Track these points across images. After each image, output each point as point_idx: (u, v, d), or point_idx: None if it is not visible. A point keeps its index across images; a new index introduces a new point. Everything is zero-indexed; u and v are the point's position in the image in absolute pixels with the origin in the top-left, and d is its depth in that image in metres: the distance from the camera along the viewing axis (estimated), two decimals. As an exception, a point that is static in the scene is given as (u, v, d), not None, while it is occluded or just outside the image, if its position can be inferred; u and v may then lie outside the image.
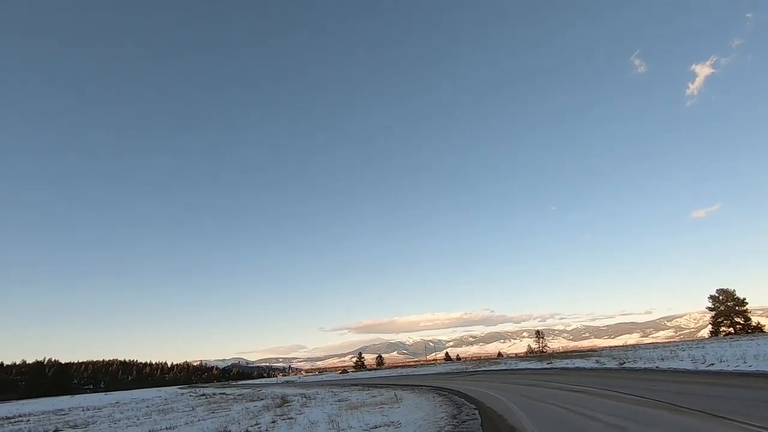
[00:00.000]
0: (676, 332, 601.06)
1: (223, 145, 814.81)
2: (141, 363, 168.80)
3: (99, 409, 29.82)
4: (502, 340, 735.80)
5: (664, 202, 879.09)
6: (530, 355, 79.98)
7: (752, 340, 31.87)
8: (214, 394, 39.51)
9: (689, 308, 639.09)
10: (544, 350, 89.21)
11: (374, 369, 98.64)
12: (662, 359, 19.76)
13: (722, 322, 69.83)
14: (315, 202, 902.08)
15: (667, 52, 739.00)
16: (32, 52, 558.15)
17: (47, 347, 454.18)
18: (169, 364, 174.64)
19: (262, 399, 24.25)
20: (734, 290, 69.31)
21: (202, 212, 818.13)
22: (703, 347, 26.44)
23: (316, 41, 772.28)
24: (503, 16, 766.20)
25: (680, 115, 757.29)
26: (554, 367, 25.93)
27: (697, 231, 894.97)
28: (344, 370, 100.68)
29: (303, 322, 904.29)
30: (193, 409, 22.35)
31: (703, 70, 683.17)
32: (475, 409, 10.30)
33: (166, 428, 14.51)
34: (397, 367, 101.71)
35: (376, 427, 9.26)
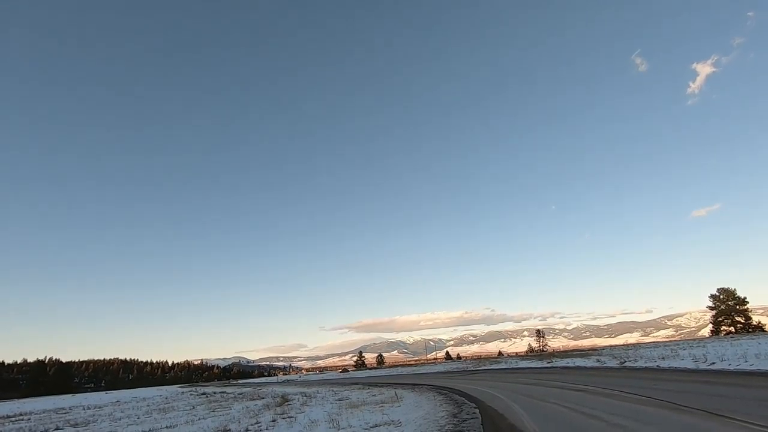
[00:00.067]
0: (676, 331, 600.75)
1: (223, 144, 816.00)
2: (142, 362, 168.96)
3: (100, 407, 29.85)
4: (502, 339, 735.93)
5: (664, 201, 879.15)
6: (531, 354, 79.94)
7: (753, 339, 31.81)
8: (215, 392, 39.53)
9: (690, 307, 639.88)
10: (545, 349, 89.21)
11: (375, 368, 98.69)
12: (663, 358, 19.72)
13: (723, 321, 69.77)
14: (315, 202, 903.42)
15: (668, 50, 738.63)
16: (32, 52, 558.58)
17: (48, 346, 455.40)
18: (169, 363, 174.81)
19: (263, 398, 24.25)
20: (735, 289, 69.30)
21: (203, 212, 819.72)
22: (704, 346, 26.39)
23: (316, 41, 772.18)
24: (503, 16, 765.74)
25: (681, 114, 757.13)
26: (555, 366, 25.91)
27: (697, 230, 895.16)
28: (345, 369, 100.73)
29: (303, 322, 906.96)
30: (194, 407, 22.36)
31: (704, 69, 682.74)
32: (475, 407, 10.28)
33: (167, 427, 14.50)
34: (397, 366, 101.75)
35: (376, 425, 9.24)
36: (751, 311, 68.81)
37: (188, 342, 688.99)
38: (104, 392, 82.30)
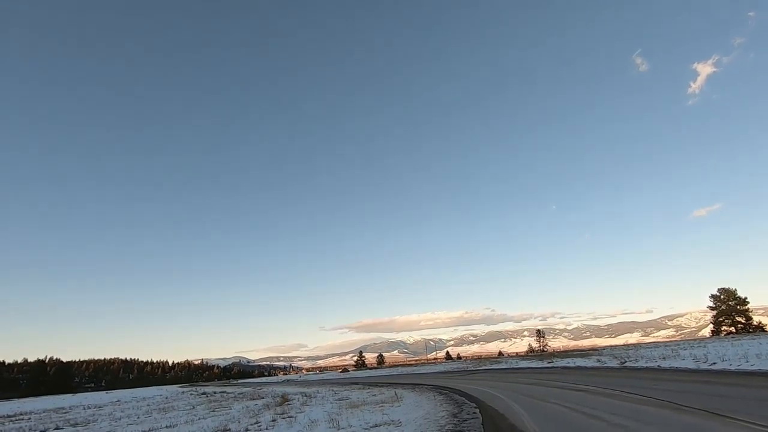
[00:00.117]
0: (677, 331, 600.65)
1: (223, 144, 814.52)
2: (142, 362, 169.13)
3: (100, 407, 29.86)
4: (502, 339, 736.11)
5: (665, 201, 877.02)
6: (531, 354, 79.97)
7: (754, 339, 31.79)
8: (215, 392, 39.53)
9: (690, 307, 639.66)
10: (545, 349, 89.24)
11: (375, 368, 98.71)
12: (664, 358, 19.70)
13: (723, 321, 69.76)
14: (315, 202, 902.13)
15: (669, 50, 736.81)
16: (32, 52, 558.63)
17: (49, 346, 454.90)
18: (170, 363, 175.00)
19: (263, 397, 24.24)
20: (735, 289, 69.28)
21: (203, 212, 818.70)
22: (704, 346, 26.37)
23: (316, 41, 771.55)
24: (503, 16, 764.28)
25: (681, 114, 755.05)
26: (555, 366, 25.89)
27: (698, 230, 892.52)
28: (345, 369, 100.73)
29: (304, 322, 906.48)
30: (194, 407, 22.35)
31: (704, 69, 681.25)
32: (476, 407, 10.26)
33: (167, 426, 14.49)
34: (397, 366, 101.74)
35: (376, 425, 9.22)
36: (751, 311, 68.80)
37: (188, 342, 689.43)
38: (104, 392, 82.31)
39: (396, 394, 16.50)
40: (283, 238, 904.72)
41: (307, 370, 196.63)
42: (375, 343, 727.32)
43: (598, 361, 25.37)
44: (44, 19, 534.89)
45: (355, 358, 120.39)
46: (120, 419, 19.21)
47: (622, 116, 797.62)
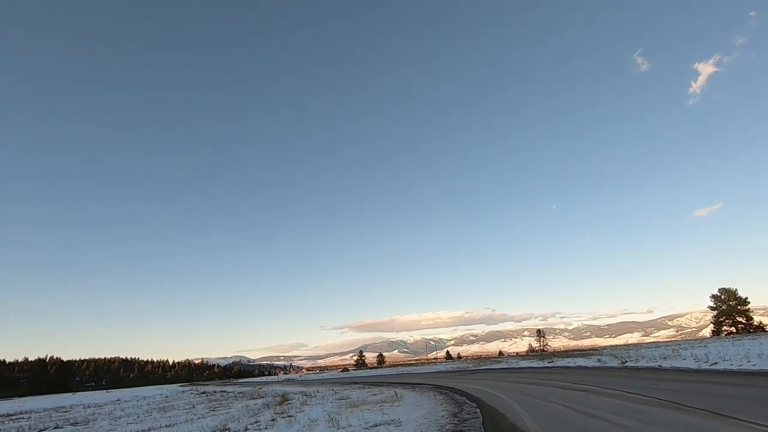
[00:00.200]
0: (677, 331, 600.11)
1: (223, 144, 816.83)
2: (143, 361, 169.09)
3: (100, 406, 29.85)
4: (503, 339, 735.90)
5: (665, 201, 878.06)
6: (531, 354, 79.90)
7: (755, 339, 31.72)
8: (215, 392, 39.52)
9: (691, 307, 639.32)
10: (545, 349, 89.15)
11: (375, 367, 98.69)
12: (665, 358, 19.65)
13: (724, 321, 69.68)
14: (315, 202, 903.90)
15: (670, 50, 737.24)
16: (31, 52, 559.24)
17: (49, 345, 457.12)
18: (170, 362, 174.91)
19: (263, 397, 24.21)
20: (736, 289, 69.21)
21: (203, 211, 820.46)
22: (705, 346, 26.32)
23: (316, 41, 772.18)
24: (504, 16, 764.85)
25: (682, 113, 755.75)
26: (556, 365, 25.84)
27: (698, 230, 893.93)
28: (345, 369, 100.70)
29: (304, 321, 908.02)
30: (194, 406, 22.33)
31: (705, 69, 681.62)
32: (476, 407, 10.22)
33: (166, 426, 14.46)
34: (398, 365, 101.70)
35: (376, 425, 9.18)
36: (752, 311, 68.67)
37: (189, 341, 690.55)
38: (105, 391, 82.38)
39: (396, 393, 16.46)
40: (283, 237, 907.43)
41: (308, 369, 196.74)
42: (375, 343, 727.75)
43: (599, 360, 25.32)
44: (44, 19, 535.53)
45: (356, 358, 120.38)
46: (120, 418, 19.18)
47: (623, 116, 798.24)
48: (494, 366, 36.53)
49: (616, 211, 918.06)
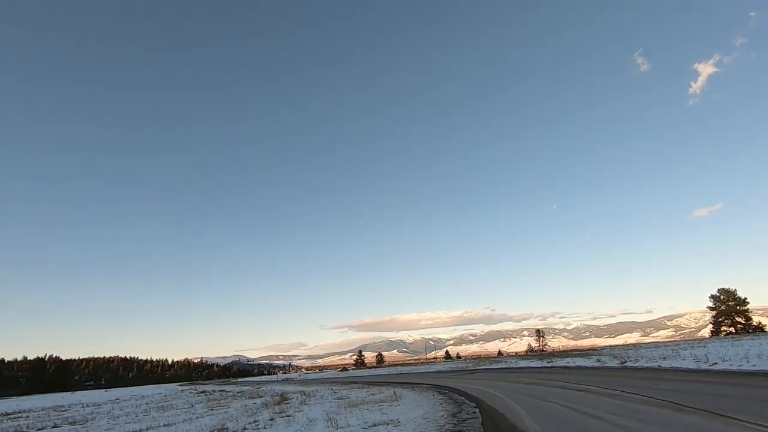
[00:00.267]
0: (676, 332, 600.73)
1: (223, 144, 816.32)
2: (142, 360, 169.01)
3: (99, 405, 29.81)
4: (502, 339, 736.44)
5: (665, 201, 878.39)
6: (531, 353, 79.91)
7: (754, 339, 31.72)
8: (214, 391, 39.50)
9: (690, 308, 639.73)
10: (545, 349, 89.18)
11: (374, 367, 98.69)
12: (664, 358, 19.63)
13: (723, 321, 69.68)
14: (315, 201, 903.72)
15: (670, 50, 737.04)
16: (31, 52, 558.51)
17: (48, 344, 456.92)
18: (169, 362, 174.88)
19: (262, 396, 24.18)
20: (735, 290, 69.19)
21: (203, 211, 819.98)
22: (704, 346, 26.31)
23: (316, 41, 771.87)
24: (504, 16, 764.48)
25: (682, 113, 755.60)
26: (555, 365, 25.82)
27: (698, 230, 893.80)
28: (344, 368, 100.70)
29: (303, 320, 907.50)
30: (192, 406, 22.29)
31: (705, 69, 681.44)
32: (475, 407, 10.18)
33: (165, 425, 14.42)
34: (397, 365, 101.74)
35: (375, 425, 9.14)
36: (751, 312, 68.70)
37: (188, 340, 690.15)
38: (104, 390, 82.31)
39: (395, 393, 16.42)
40: (283, 236, 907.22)
41: (307, 369, 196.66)
42: (374, 342, 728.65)
43: (598, 360, 25.30)
44: (44, 19, 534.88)
45: (355, 357, 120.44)
46: (118, 417, 19.14)
47: (623, 116, 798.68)
48: (493, 366, 36.51)
49: (615, 211, 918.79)
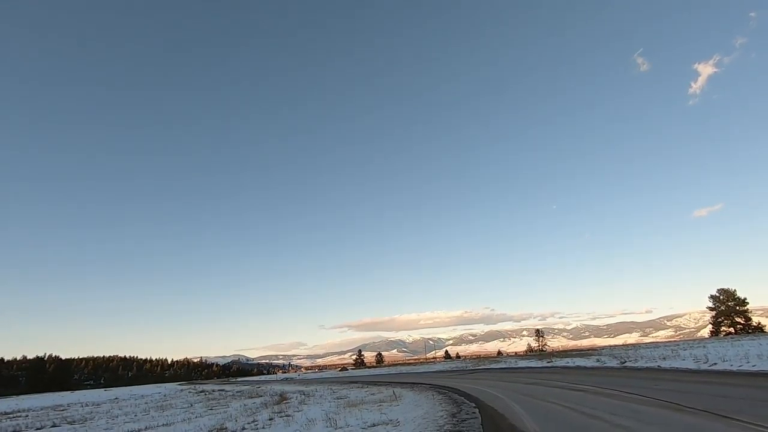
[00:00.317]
0: (676, 332, 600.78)
1: (222, 144, 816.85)
2: (141, 359, 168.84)
3: (98, 405, 29.77)
4: (501, 339, 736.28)
5: (665, 201, 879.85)
6: (530, 353, 79.89)
7: (754, 339, 31.69)
8: (213, 390, 39.46)
9: (689, 308, 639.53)
10: (544, 349, 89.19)
11: (374, 367, 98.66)
12: (664, 358, 19.61)
13: (723, 321, 69.62)
14: (315, 200, 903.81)
15: (670, 50, 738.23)
16: (31, 52, 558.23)
17: (48, 343, 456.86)
18: (169, 361, 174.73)
19: (261, 396, 24.15)
20: (735, 290, 69.12)
21: (203, 210, 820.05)
22: (704, 347, 26.28)
23: (316, 41, 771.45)
24: (504, 15, 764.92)
25: (682, 113, 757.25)
26: (555, 365, 25.80)
27: (698, 230, 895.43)
28: (344, 368, 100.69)
29: (303, 320, 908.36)
30: (192, 405, 22.26)
31: (705, 69, 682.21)
32: (475, 407, 10.16)
33: (163, 425, 14.38)
34: (396, 365, 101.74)
35: (374, 425, 9.11)
36: (751, 312, 68.64)
37: (188, 340, 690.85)
38: (103, 389, 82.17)
39: (394, 393, 16.39)
40: (283, 236, 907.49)
41: (306, 368, 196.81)
42: (374, 342, 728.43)
43: (598, 361, 25.27)
44: (44, 19, 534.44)
45: (354, 357, 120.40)
46: (117, 417, 19.10)
47: (623, 116, 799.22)
48: (493, 366, 36.48)
49: (615, 211, 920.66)
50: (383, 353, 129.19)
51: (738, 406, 6.70)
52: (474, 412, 9.32)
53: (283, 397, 20.02)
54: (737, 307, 67.90)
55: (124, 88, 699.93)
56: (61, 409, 27.98)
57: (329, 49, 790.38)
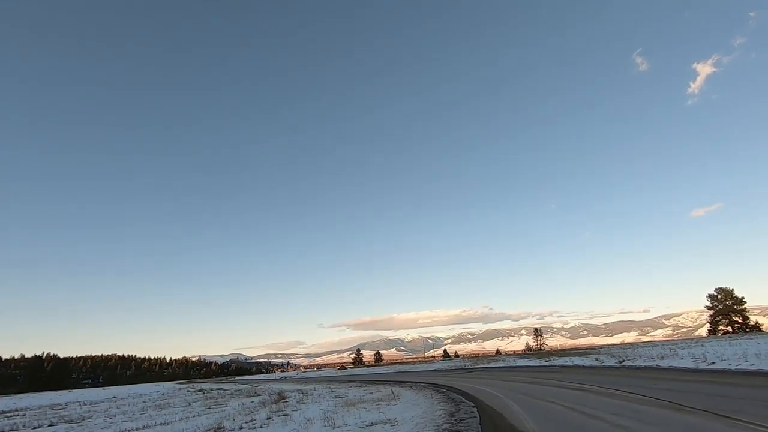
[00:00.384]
0: (673, 331, 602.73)
1: (221, 143, 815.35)
2: (140, 358, 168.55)
3: (96, 403, 29.69)
4: (500, 338, 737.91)
5: (664, 201, 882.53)
6: (528, 352, 79.97)
7: (751, 338, 31.77)
8: (212, 389, 39.41)
9: (687, 307, 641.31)
10: (543, 348, 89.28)
11: (372, 366, 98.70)
12: (662, 357, 19.61)
13: (720, 320, 69.79)
14: (314, 200, 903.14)
15: (669, 50, 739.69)
16: (31, 52, 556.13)
17: (46, 342, 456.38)
18: (168, 360, 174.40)
19: (259, 395, 24.11)
20: (733, 289, 69.27)
21: (201, 209, 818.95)
22: (702, 346, 26.30)
23: (316, 41, 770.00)
24: (504, 15, 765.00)
25: (681, 113, 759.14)
26: (553, 364, 25.80)
27: (696, 230, 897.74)
28: (342, 367, 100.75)
29: (302, 319, 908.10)
30: (190, 404, 22.20)
31: (704, 69, 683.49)
32: (473, 406, 10.12)
33: (161, 424, 14.32)
34: (395, 363, 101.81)
35: (372, 424, 9.07)
36: (748, 311, 68.83)
37: (187, 339, 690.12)
38: (101, 388, 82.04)
39: (393, 392, 16.35)
40: (282, 235, 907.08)
41: (305, 367, 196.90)
42: (373, 341, 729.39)
43: (596, 359, 25.28)
44: (44, 19, 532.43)
45: (353, 356, 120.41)
46: (115, 416, 19.04)
47: (622, 115, 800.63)
48: (491, 364, 36.49)
49: (614, 210, 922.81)
50: (382, 352, 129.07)
51: (738, 406, 6.67)
52: (472, 412, 9.28)
53: (281, 396, 19.98)
54: (735, 306, 68.07)
55: (124, 88, 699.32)
56: (59, 408, 27.89)
57: (329, 49, 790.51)
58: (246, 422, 11.98)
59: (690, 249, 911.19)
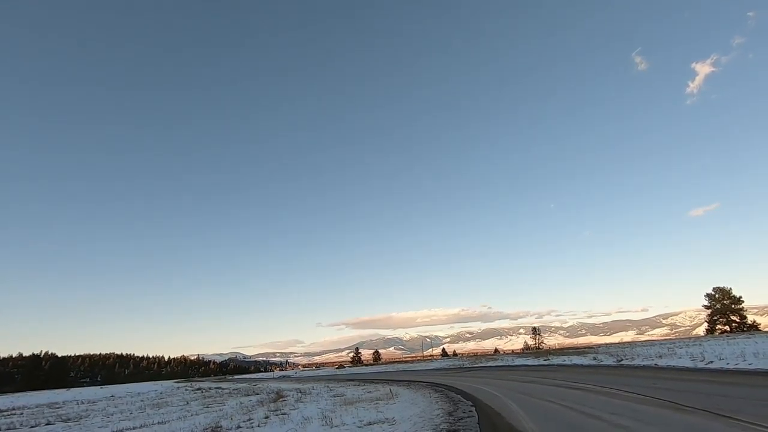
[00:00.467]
0: (671, 330, 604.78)
1: (220, 143, 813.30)
2: (138, 357, 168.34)
3: (93, 402, 29.62)
4: (498, 337, 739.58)
5: (662, 201, 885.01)
6: (527, 351, 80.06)
7: (749, 338, 31.83)
8: (210, 388, 39.36)
9: (685, 306, 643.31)
10: (541, 347, 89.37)
11: (371, 364, 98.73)
12: (660, 357, 19.61)
13: (718, 320, 69.91)
14: (313, 199, 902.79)
15: (668, 49, 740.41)
16: (31, 52, 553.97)
17: (44, 340, 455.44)
18: (166, 358, 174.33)
19: (257, 394, 24.07)
20: (731, 288, 69.36)
21: (200, 208, 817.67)
22: (700, 345, 26.33)
23: (316, 41, 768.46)
24: (504, 14, 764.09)
25: (680, 113, 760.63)
26: (551, 363, 25.81)
27: (694, 229, 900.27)
28: (341, 366, 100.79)
29: (301, 318, 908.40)
30: (188, 403, 22.15)
31: (703, 69, 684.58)
32: (472, 406, 10.09)
33: (159, 423, 14.28)
34: (393, 362, 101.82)
35: (370, 423, 9.04)
36: (746, 310, 68.97)
37: (185, 337, 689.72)
38: (99, 387, 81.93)
39: (391, 391, 16.32)
40: (281, 234, 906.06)
41: (304, 366, 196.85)
42: (371, 340, 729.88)
43: (595, 359, 25.29)
44: (44, 19, 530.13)
45: (352, 355, 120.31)
46: (113, 415, 18.99)
47: (621, 115, 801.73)
48: (490, 363, 36.51)
49: (612, 209, 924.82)
50: (380, 351, 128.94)
51: (737, 406, 6.65)
52: (471, 411, 9.25)
53: (279, 395, 19.94)
54: (732, 306, 68.20)
55: (124, 88, 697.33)
56: (57, 406, 27.81)
57: (329, 47, 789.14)
58: (244, 421, 11.93)
59: (688, 248, 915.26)
